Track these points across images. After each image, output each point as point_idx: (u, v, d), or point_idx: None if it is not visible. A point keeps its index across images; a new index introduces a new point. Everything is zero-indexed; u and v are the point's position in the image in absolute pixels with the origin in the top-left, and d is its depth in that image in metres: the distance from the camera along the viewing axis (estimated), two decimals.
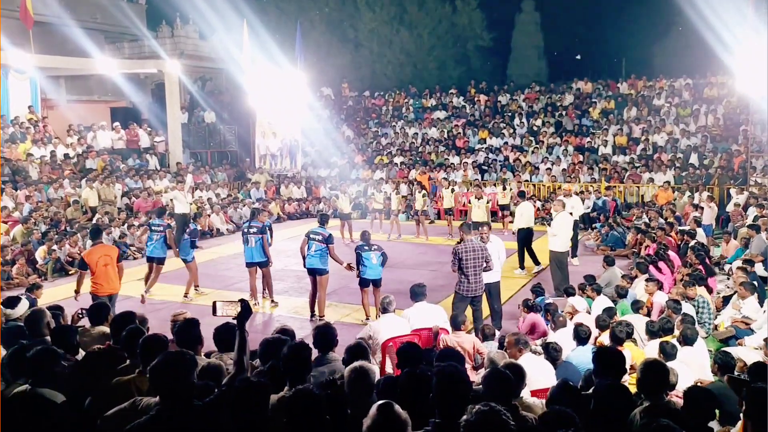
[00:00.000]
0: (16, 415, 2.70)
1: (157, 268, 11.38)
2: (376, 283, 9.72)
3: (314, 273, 9.77)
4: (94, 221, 15.52)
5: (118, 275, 8.60)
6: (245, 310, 3.67)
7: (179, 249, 11.45)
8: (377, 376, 4.04)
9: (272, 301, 10.84)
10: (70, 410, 3.48)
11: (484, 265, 8.53)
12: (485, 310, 9.12)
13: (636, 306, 8.33)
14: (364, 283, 9.65)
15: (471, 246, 8.46)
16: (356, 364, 3.89)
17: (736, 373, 5.73)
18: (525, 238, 13.18)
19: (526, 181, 20.85)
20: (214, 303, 3.77)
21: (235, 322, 3.76)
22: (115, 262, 8.50)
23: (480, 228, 9.38)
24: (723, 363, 5.74)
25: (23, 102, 20.47)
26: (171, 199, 16.04)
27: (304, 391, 3.19)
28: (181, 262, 11.52)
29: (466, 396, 3.10)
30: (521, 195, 15.17)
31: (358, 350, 4.59)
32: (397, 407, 2.75)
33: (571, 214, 12.52)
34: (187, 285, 11.42)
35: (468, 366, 6.32)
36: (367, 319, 9.48)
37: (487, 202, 16.54)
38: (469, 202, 17.13)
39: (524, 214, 13.25)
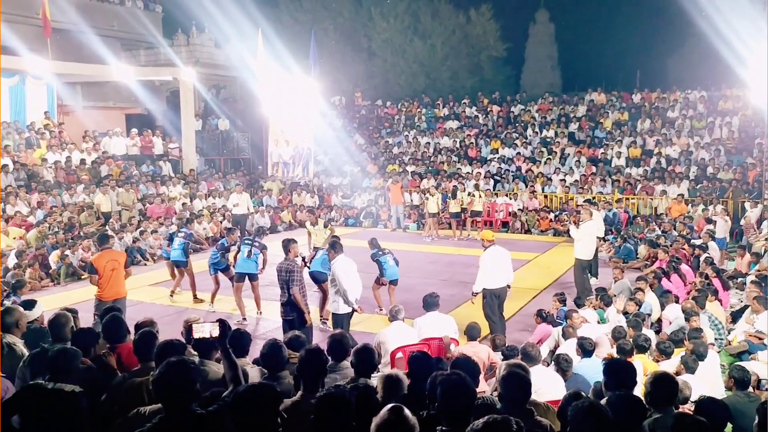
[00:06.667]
0: (31, 403, 2.82)
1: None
2: (394, 282, 10.65)
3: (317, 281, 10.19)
4: (107, 227, 15.65)
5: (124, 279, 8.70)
6: (224, 331, 3.72)
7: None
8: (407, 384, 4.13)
9: (259, 311, 10.75)
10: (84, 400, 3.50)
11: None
12: None
13: (640, 318, 8.28)
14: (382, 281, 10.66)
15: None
16: (391, 371, 4.05)
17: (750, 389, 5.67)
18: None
19: (532, 192, 20.80)
20: (191, 326, 3.81)
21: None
22: (123, 267, 8.60)
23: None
24: (738, 378, 5.67)
25: (40, 108, 20.71)
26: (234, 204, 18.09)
27: (336, 393, 3.20)
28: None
29: (471, 404, 3.19)
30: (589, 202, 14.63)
31: (365, 352, 4.59)
32: (407, 411, 2.77)
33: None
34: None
35: (482, 375, 6.31)
36: (380, 309, 10.42)
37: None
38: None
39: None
